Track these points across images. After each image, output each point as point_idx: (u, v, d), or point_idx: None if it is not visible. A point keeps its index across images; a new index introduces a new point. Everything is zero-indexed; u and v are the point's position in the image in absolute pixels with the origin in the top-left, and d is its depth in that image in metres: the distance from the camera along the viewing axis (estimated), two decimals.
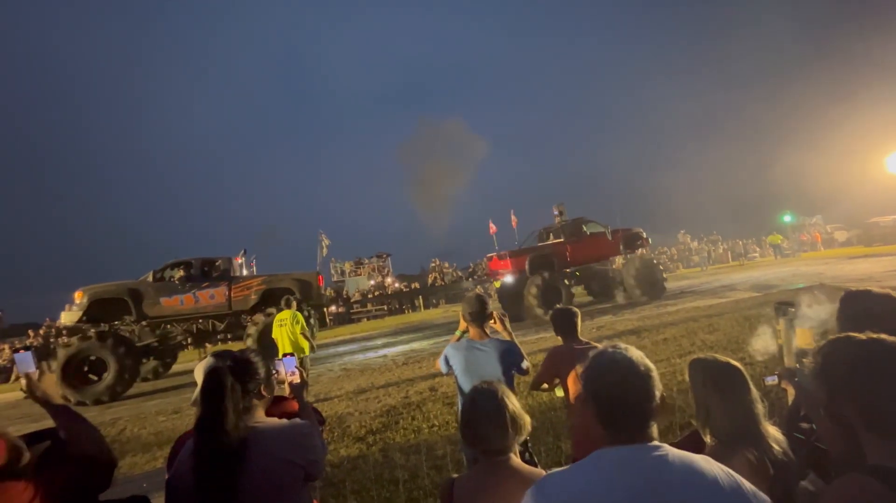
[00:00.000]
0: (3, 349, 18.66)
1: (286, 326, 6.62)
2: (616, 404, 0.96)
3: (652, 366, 1.00)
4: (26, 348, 1.41)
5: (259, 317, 9.84)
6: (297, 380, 1.85)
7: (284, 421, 1.45)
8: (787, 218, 29.82)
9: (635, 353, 1.01)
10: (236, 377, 1.35)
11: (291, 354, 1.95)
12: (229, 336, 10.97)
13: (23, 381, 1.31)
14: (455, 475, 1.39)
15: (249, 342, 9.48)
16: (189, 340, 10.75)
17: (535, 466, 1.70)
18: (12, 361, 16.98)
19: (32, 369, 1.31)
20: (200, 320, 10.63)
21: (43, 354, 12.55)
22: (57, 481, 1.17)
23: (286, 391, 1.85)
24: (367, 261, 29.06)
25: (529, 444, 2.61)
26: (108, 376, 9.07)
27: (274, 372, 1.64)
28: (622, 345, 1.04)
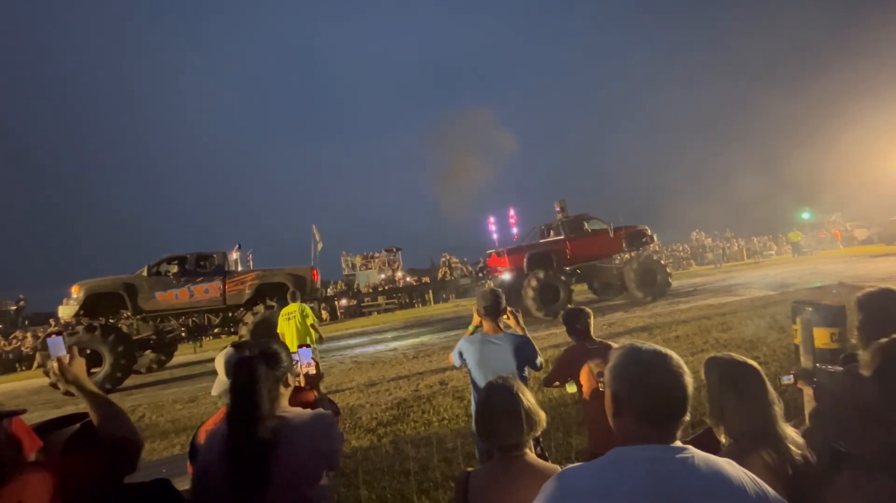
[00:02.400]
0: (26, 337, 19.22)
1: (294, 319, 6.69)
2: (666, 401, 0.93)
3: (683, 362, 0.98)
4: (58, 333, 1.46)
5: (248, 316, 9.97)
6: (313, 371, 1.88)
7: (309, 411, 1.48)
8: (805, 215, 29.18)
9: (667, 350, 0.99)
10: (266, 366, 1.39)
11: (307, 345, 1.98)
12: (225, 330, 11.12)
13: (54, 365, 1.35)
14: (469, 469, 1.40)
15: (244, 337, 9.61)
16: (185, 333, 10.89)
17: (547, 461, 1.72)
18: (36, 348, 17.50)
19: (63, 353, 1.35)
20: (196, 314, 10.76)
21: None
22: (85, 464, 1.21)
23: (301, 382, 1.88)
24: (377, 255, 29.17)
25: (541, 440, 2.63)
26: (104, 368, 9.24)
27: (294, 363, 1.67)
28: (642, 342, 1.02)
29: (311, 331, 6.73)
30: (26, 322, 24.17)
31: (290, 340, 6.63)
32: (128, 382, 10.15)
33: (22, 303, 26.20)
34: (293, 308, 6.79)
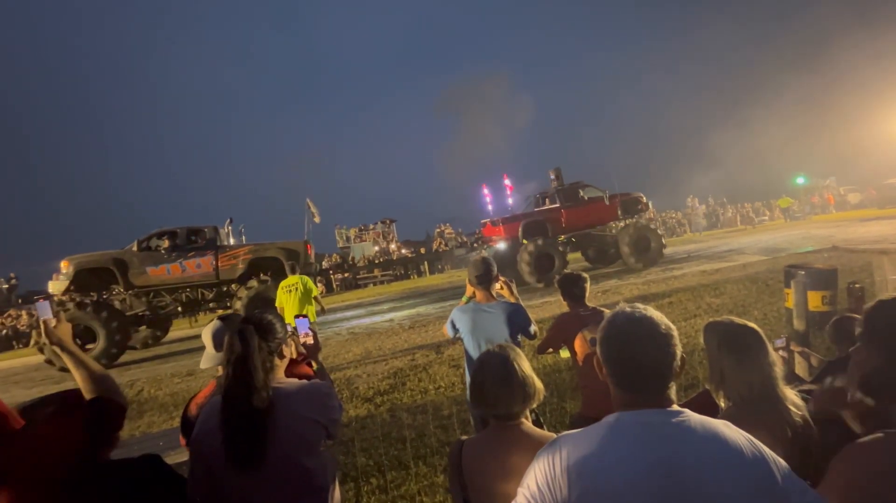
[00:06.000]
0: (21, 315, 19.17)
1: (295, 292, 6.57)
2: (637, 366, 0.91)
3: (672, 325, 0.95)
4: (45, 297, 1.47)
5: (242, 291, 9.93)
6: (310, 340, 1.85)
7: (305, 381, 1.48)
8: (800, 180, 29.19)
9: (654, 313, 0.96)
10: (260, 337, 1.37)
11: (305, 315, 1.95)
12: (220, 305, 11.03)
13: (41, 325, 1.40)
14: (463, 437, 1.38)
15: (238, 311, 9.57)
16: (179, 309, 10.83)
17: (542, 427, 1.71)
18: (33, 326, 17.50)
19: (50, 316, 1.39)
20: (189, 289, 10.65)
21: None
22: (68, 429, 1.19)
23: (294, 354, 1.85)
24: (371, 227, 29.00)
25: (535, 406, 2.65)
26: (98, 344, 9.20)
27: (290, 333, 1.65)
28: (640, 305, 0.98)
29: (314, 303, 6.64)
30: (20, 300, 24.08)
31: (290, 313, 6.53)
32: (125, 357, 10.20)
33: (14, 281, 26.02)
34: (294, 280, 6.63)
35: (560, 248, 12.52)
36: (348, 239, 28.38)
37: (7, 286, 25.71)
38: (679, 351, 0.93)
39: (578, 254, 15.32)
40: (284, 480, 1.31)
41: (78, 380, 1.35)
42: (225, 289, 10.83)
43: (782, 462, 0.85)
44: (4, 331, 18.17)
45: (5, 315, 19.65)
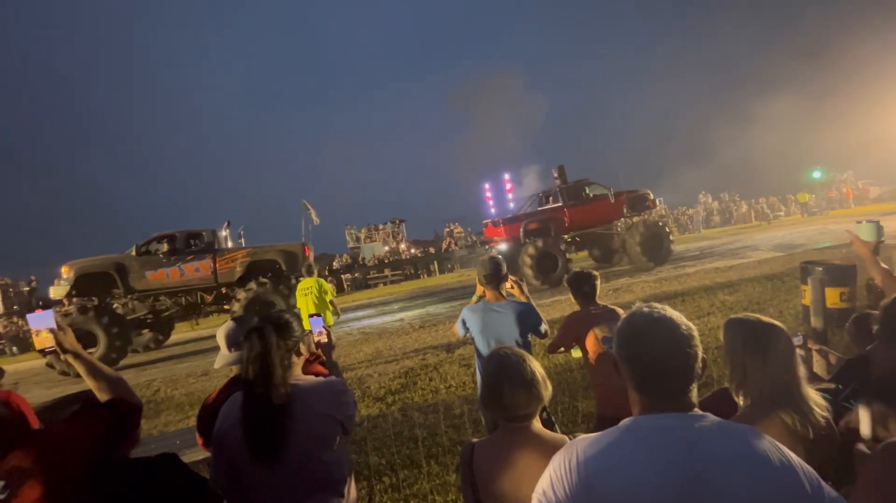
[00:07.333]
0: None
1: (311, 295, 6.59)
2: (656, 368, 0.88)
3: (693, 325, 0.92)
4: (45, 307, 1.49)
5: (240, 293, 10.01)
6: (324, 339, 1.89)
7: (321, 378, 1.53)
8: (816, 174, 28.54)
9: (673, 313, 0.92)
10: (278, 335, 1.41)
11: (318, 315, 1.99)
12: (218, 308, 11.15)
13: (49, 338, 1.37)
14: (475, 440, 1.38)
15: (237, 313, 9.61)
16: (180, 312, 10.93)
17: (553, 426, 1.70)
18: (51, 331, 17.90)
19: (54, 325, 1.38)
20: (188, 293, 10.75)
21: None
22: (87, 429, 1.22)
23: (305, 352, 1.87)
24: (381, 227, 29.13)
25: (547, 405, 2.64)
26: (99, 348, 9.36)
27: (307, 332, 1.68)
28: (657, 305, 0.95)
29: (329, 306, 6.66)
30: (40, 303, 24.63)
31: (306, 315, 6.55)
32: (142, 358, 10.40)
33: (34, 283, 26.64)
34: (310, 283, 6.66)
35: (563, 248, 12.25)
36: (358, 239, 28.55)
37: (28, 289, 26.33)
38: (700, 352, 0.89)
39: (585, 254, 15.16)
40: (303, 474, 1.35)
41: (92, 385, 1.36)
42: (223, 292, 10.92)
43: (811, 470, 0.81)
44: (28, 334, 18.61)
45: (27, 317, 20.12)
